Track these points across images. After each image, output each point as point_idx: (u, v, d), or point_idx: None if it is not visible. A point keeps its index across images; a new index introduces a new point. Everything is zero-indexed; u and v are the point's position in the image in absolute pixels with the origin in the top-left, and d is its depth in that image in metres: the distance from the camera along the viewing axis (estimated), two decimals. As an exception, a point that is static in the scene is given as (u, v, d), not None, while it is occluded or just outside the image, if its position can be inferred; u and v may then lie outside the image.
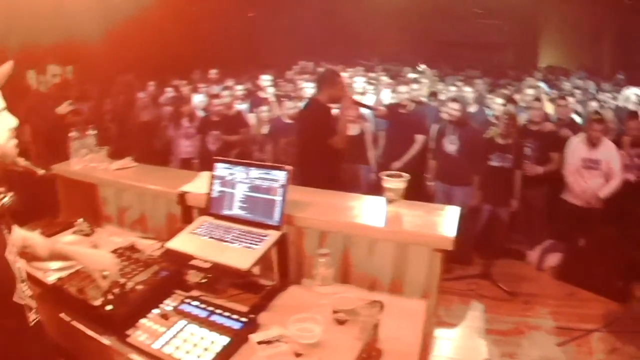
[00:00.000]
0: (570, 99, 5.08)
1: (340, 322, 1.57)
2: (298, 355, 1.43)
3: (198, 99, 5.37)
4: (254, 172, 1.78)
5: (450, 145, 4.20)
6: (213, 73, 6.45)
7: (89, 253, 1.59)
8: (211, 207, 1.86)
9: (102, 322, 1.48)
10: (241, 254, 1.61)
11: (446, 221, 1.82)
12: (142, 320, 1.50)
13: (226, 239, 1.71)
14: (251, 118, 4.98)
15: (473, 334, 3.34)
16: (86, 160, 2.50)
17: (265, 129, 4.68)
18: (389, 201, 1.89)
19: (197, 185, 2.09)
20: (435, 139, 4.38)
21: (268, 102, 4.78)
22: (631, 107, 5.21)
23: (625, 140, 4.13)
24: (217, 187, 1.86)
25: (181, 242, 1.74)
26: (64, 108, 3.87)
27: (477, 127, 4.36)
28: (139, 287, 1.60)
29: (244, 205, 1.79)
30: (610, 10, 9.36)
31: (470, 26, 9.42)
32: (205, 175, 2.20)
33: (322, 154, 3.15)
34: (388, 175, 1.89)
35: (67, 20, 5.50)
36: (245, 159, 5.19)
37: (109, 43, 5.74)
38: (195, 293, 1.67)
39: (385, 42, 8.71)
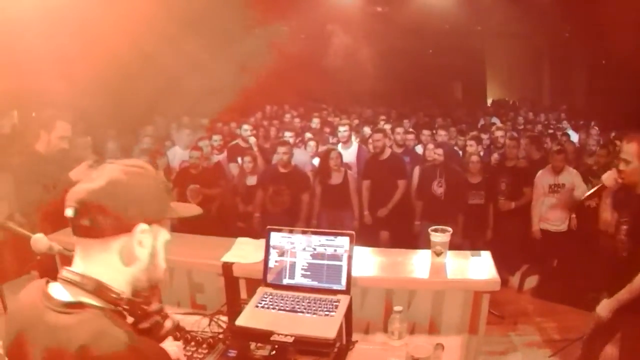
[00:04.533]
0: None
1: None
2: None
3: (173, 153, 5.29)
4: (316, 240, 1.85)
5: (438, 188, 4.51)
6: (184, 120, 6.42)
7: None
8: (269, 278, 1.89)
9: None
10: (322, 323, 1.66)
11: (489, 266, 2.02)
12: None
13: (298, 310, 1.74)
14: (232, 168, 4.99)
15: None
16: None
17: (251, 180, 4.70)
18: (437, 254, 2.04)
19: (241, 255, 2.07)
20: (419, 181, 4.67)
21: (248, 152, 4.81)
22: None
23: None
24: (274, 257, 1.90)
25: (251, 318, 1.73)
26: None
27: (460, 170, 4.70)
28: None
29: (307, 273, 1.84)
30: (550, 44, 10.44)
31: (421, 65, 10.12)
32: (244, 243, 2.22)
33: None
34: (434, 230, 2.05)
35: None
36: (225, 211, 5.10)
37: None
38: None
39: (343, 86, 9.12)
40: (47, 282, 0.99)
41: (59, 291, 0.95)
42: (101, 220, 0.92)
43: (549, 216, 4.54)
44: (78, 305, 0.91)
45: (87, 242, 0.95)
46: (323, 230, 1.92)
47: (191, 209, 1.18)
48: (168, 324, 1.28)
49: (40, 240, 1.86)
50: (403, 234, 4.58)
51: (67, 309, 0.91)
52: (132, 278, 0.99)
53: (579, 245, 4.35)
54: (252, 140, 4.98)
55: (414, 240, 4.51)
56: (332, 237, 1.84)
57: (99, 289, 0.93)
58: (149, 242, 0.98)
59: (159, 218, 1.00)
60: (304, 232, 1.89)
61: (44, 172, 2.82)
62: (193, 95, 6.84)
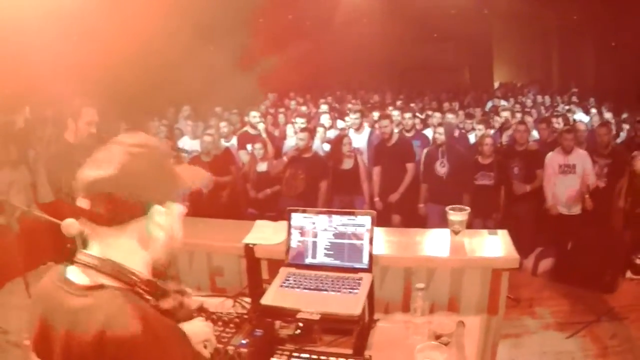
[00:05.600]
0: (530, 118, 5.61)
1: (445, 345, 1.68)
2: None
3: (182, 143, 5.31)
4: (337, 219, 1.86)
5: (441, 168, 4.52)
6: (185, 111, 6.42)
7: (187, 327, 1.45)
8: (292, 258, 1.91)
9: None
10: (346, 301, 1.68)
11: (506, 244, 2.03)
12: None
13: (322, 288, 1.76)
14: (242, 156, 4.99)
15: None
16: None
17: (262, 166, 4.72)
18: (456, 232, 2.05)
19: (262, 236, 2.09)
20: (424, 163, 4.68)
21: (258, 139, 4.81)
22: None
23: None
24: (296, 237, 1.92)
25: (277, 297, 1.75)
26: None
27: (463, 150, 4.73)
28: (242, 350, 1.57)
29: (330, 252, 1.86)
30: (558, 26, 10.30)
31: (427, 50, 10.05)
32: (263, 225, 2.23)
33: None
34: (452, 209, 2.05)
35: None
36: (236, 198, 5.12)
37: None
38: (291, 346, 1.68)
39: (349, 72, 9.08)
40: (65, 266, 0.99)
41: (76, 275, 0.95)
42: (114, 209, 0.91)
43: (561, 199, 4.52)
44: (96, 287, 0.91)
45: (101, 229, 0.94)
46: (344, 210, 1.92)
47: (200, 175, 1.13)
48: (190, 303, 1.29)
49: (72, 225, 1.89)
50: (414, 217, 4.60)
51: (85, 291, 0.91)
52: (151, 257, 0.99)
53: (593, 227, 4.34)
54: (262, 126, 4.98)
55: (424, 223, 4.54)
56: (353, 217, 1.85)
57: (116, 271, 0.93)
58: (165, 221, 0.97)
59: (172, 195, 0.99)
60: (325, 212, 1.90)
61: (75, 160, 2.86)
62: (198, 85, 6.85)
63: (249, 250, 2.04)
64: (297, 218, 1.92)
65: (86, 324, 0.86)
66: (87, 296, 0.89)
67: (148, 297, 0.95)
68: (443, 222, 2.12)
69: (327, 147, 5.03)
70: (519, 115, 5.64)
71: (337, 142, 4.69)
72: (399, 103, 7.03)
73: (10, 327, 3.61)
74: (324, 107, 6.17)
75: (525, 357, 3.30)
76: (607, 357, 3.16)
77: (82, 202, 0.93)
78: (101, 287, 0.91)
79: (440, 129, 4.53)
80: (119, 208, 0.90)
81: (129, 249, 0.95)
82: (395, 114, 5.37)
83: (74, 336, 0.86)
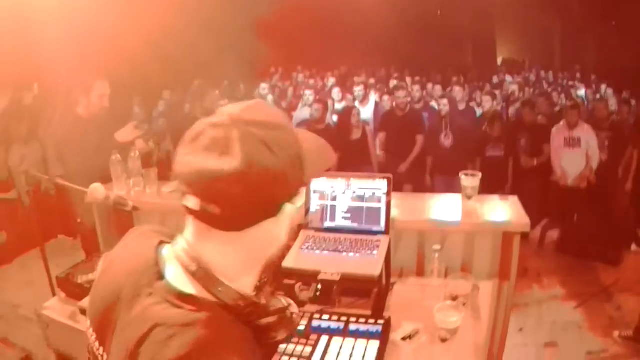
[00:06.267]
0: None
1: (463, 305, 1.73)
2: (444, 340, 1.58)
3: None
4: (355, 183, 1.88)
5: (445, 140, 4.58)
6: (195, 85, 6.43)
7: None
8: (311, 221, 1.93)
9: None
10: (365, 262, 1.71)
11: (517, 208, 2.05)
12: (282, 346, 1.48)
13: (341, 250, 1.79)
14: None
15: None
16: (130, 185, 2.35)
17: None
18: (468, 197, 2.07)
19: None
20: (429, 134, 4.76)
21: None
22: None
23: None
24: (315, 201, 1.94)
25: (298, 260, 1.78)
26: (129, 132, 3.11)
27: (468, 122, 4.77)
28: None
29: (348, 215, 1.89)
30: (560, 4, 10.19)
31: (431, 27, 9.97)
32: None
33: None
34: (465, 174, 2.07)
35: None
36: None
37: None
38: (311, 308, 1.71)
39: (354, 47, 9.03)
40: (159, 248, 0.78)
41: (173, 273, 0.74)
42: (238, 213, 0.68)
43: (566, 171, 4.56)
44: (191, 301, 0.70)
45: (213, 232, 0.71)
46: (362, 173, 1.94)
47: (329, 158, 0.83)
48: (297, 321, 0.88)
49: (97, 190, 1.90)
50: (423, 188, 4.68)
51: (177, 300, 0.70)
52: (265, 264, 0.77)
53: (599, 200, 4.38)
54: (270, 98, 5.00)
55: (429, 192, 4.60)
56: (370, 180, 1.87)
57: (222, 292, 0.72)
58: (292, 218, 0.75)
59: (302, 187, 0.76)
60: (343, 176, 1.92)
61: (87, 135, 2.85)
62: (206, 58, 6.82)
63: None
64: (316, 182, 1.94)
65: (164, 345, 0.66)
66: (180, 308, 0.69)
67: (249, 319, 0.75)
68: (450, 192, 2.16)
69: (336, 119, 5.06)
70: (526, 89, 5.63)
71: (346, 114, 4.73)
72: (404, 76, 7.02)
73: (21, 301, 3.68)
74: (332, 81, 6.17)
75: (534, 326, 3.38)
76: (613, 328, 3.23)
77: (190, 201, 0.69)
78: (196, 302, 0.70)
79: (444, 101, 4.57)
80: (241, 212, 0.68)
81: (241, 257, 0.74)
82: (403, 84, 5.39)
83: (139, 347, 0.68)
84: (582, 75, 7.68)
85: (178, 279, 0.73)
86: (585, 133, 4.52)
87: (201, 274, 0.72)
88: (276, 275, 0.90)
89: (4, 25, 4.68)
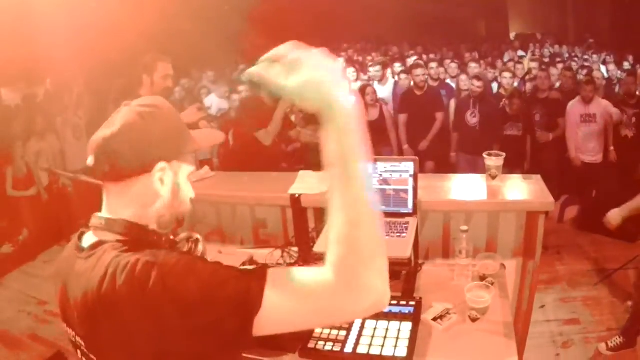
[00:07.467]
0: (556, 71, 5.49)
1: (491, 284, 1.75)
2: (474, 320, 1.60)
3: (210, 101, 5.36)
4: (381, 166, 1.89)
5: (472, 119, 4.52)
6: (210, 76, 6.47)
7: None
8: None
9: (279, 344, 1.48)
10: (395, 244, 1.72)
11: (541, 187, 2.05)
12: (318, 330, 1.52)
13: (370, 233, 1.81)
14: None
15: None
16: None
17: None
18: (492, 177, 2.07)
19: (307, 186, 2.12)
20: (455, 113, 4.70)
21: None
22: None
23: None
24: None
25: (329, 244, 1.81)
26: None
27: (494, 101, 4.70)
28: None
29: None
30: None
31: (443, 3, 9.78)
32: (307, 175, 2.26)
33: None
34: (488, 154, 2.07)
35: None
36: (270, 152, 5.18)
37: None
38: None
39: (367, 24, 8.92)
40: (81, 233, 1.00)
41: (88, 239, 0.96)
42: (119, 164, 0.91)
43: (584, 147, 4.51)
44: (97, 244, 0.92)
45: (110, 187, 0.95)
46: (388, 157, 1.95)
47: (213, 137, 1.16)
48: (200, 249, 1.34)
49: None
50: (445, 165, 4.66)
51: (89, 251, 0.92)
52: (156, 215, 0.97)
53: (617, 175, 4.33)
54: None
55: (452, 170, 4.59)
56: (397, 163, 1.89)
57: (126, 228, 0.93)
58: (170, 180, 0.96)
59: (177, 155, 0.98)
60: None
61: None
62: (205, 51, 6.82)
63: (295, 200, 2.07)
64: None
65: (88, 283, 0.86)
66: (92, 256, 0.90)
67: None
68: (472, 171, 2.15)
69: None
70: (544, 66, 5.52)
71: (361, 92, 4.66)
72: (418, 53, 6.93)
73: (47, 297, 3.67)
74: (341, 61, 6.12)
75: (555, 303, 3.41)
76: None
77: (89, 160, 0.94)
78: (101, 242, 0.92)
79: (479, 82, 4.48)
80: (122, 163, 0.91)
81: (135, 206, 0.95)
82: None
83: (84, 299, 0.87)
84: (597, 49, 7.48)
85: (91, 238, 0.95)
86: (602, 108, 4.44)
87: (103, 222, 0.94)
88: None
89: (14, 22, 4.70)
